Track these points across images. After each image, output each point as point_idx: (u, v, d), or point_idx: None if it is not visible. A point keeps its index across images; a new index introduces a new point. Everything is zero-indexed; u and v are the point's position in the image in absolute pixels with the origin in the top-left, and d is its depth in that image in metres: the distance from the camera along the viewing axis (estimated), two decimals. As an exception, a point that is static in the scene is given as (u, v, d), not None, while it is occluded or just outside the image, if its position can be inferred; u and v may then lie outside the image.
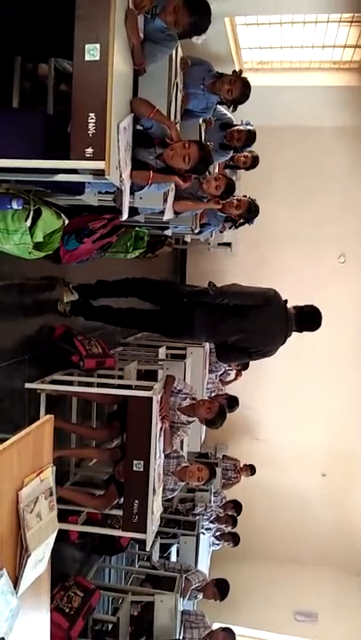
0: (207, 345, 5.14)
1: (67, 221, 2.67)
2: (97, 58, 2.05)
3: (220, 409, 3.70)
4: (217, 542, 6.56)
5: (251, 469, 7.13)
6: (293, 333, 3.48)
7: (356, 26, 5.86)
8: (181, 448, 4.22)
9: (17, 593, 1.48)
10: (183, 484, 3.71)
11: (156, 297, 3.71)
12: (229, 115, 4.19)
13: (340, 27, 5.92)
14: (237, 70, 3.59)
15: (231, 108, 3.67)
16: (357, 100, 6.50)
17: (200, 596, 5.17)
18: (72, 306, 3.62)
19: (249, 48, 6.41)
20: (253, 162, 4.73)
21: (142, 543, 3.75)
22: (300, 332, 3.53)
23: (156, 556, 4.99)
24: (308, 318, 3.50)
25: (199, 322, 3.44)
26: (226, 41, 5.57)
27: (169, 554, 5.37)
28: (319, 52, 6.45)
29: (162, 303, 3.65)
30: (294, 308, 3.50)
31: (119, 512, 3.15)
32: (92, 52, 2.05)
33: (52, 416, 1.84)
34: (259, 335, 3.41)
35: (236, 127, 4.21)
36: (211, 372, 5.56)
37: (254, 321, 3.39)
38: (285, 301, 3.48)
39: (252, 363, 5.85)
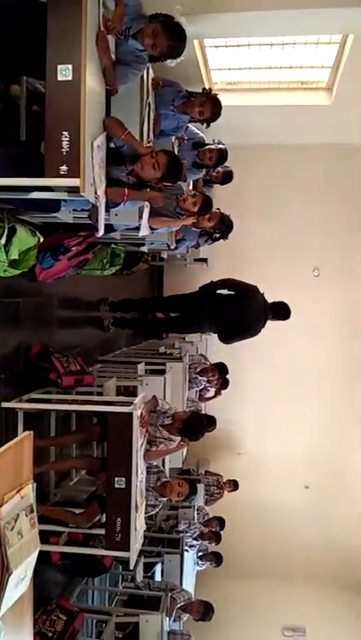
0: (186, 360, 5.16)
1: (42, 239, 2.68)
2: (69, 78, 2.09)
3: (196, 415, 3.74)
4: (201, 563, 6.49)
5: (234, 484, 7.11)
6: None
7: (322, 47, 6.06)
8: (163, 464, 4.20)
9: (-2, 613, 1.46)
10: (164, 499, 3.68)
11: (174, 303, 5.17)
12: (201, 134, 4.28)
13: (306, 48, 6.12)
14: (207, 88, 3.68)
15: (205, 125, 3.73)
16: (325, 118, 6.69)
17: (185, 616, 5.10)
18: (113, 320, 5.14)
19: (218, 69, 6.56)
20: (226, 176, 4.81)
21: (126, 562, 3.71)
22: (275, 319, 4.70)
23: (140, 576, 4.91)
24: (281, 309, 4.72)
25: (206, 311, 4.68)
26: (196, 62, 5.69)
27: (153, 573, 5.29)
28: (287, 72, 6.64)
29: (179, 305, 5.03)
30: (271, 302, 4.71)
31: (101, 531, 3.11)
32: (64, 73, 2.09)
33: (31, 432, 1.83)
34: (247, 316, 4.65)
35: (208, 146, 4.29)
36: (190, 388, 5.55)
37: (244, 306, 4.63)
38: (263, 294, 4.70)
39: (231, 378, 5.88)
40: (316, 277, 7.64)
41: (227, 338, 4.92)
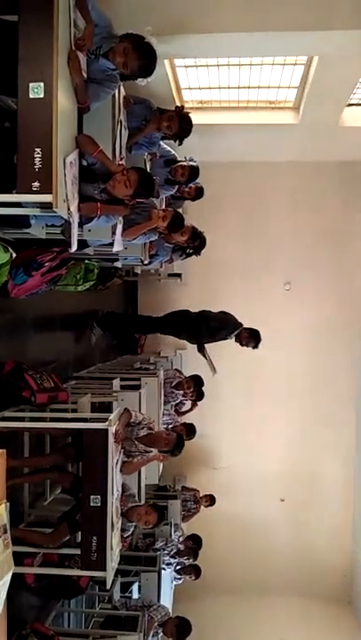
0: (161, 374, 5.16)
1: (14, 255, 2.67)
2: (41, 95, 2.11)
3: (178, 439, 3.72)
4: (178, 577, 6.41)
5: (210, 499, 7.08)
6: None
7: (289, 68, 6.23)
8: (139, 480, 4.16)
9: (-29, 638, 1.42)
10: (133, 524, 3.65)
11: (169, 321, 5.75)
12: (173, 152, 4.34)
13: (273, 69, 6.28)
14: (179, 106, 3.74)
15: (177, 142, 3.78)
16: (292, 136, 6.86)
17: (161, 630, 5.00)
18: (97, 321, 5.63)
19: (189, 88, 6.67)
20: (197, 192, 4.87)
21: (102, 583, 3.64)
22: (246, 344, 5.44)
23: (117, 596, 4.82)
24: (253, 331, 5.45)
25: (188, 327, 5.59)
26: (167, 81, 5.79)
27: (131, 592, 5.20)
28: (256, 92, 6.79)
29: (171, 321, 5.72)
30: (245, 328, 5.46)
31: (77, 551, 3.06)
32: (36, 90, 2.11)
33: (4, 451, 1.81)
34: (219, 319, 5.53)
35: (180, 163, 4.35)
36: (167, 402, 5.55)
37: (217, 315, 5.54)
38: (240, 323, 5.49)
39: (206, 393, 5.89)
40: (287, 291, 7.76)
41: (203, 345, 5.66)
